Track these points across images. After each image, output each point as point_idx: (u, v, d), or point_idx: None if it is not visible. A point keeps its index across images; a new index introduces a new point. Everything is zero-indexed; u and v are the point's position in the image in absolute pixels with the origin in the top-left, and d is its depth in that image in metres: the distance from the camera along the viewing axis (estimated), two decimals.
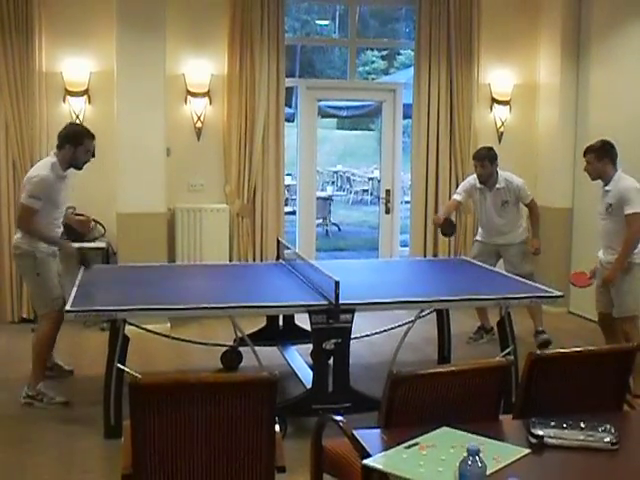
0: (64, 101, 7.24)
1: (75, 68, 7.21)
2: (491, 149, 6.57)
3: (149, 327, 5.71)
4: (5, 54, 6.92)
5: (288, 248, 6.20)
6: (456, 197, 6.76)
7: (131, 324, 4.98)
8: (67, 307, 4.45)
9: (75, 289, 4.86)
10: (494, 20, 8.10)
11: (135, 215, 6.93)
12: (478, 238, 6.83)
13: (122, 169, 6.98)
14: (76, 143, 5.20)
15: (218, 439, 2.68)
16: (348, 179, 18.14)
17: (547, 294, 5.16)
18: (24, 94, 6.97)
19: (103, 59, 7.22)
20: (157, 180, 7.03)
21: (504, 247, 6.60)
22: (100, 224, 7.31)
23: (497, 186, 6.47)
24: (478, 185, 6.55)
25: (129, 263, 6.45)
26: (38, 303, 5.31)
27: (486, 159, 6.42)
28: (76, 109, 7.23)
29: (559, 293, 5.15)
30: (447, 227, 6.66)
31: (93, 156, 5.52)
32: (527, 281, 5.57)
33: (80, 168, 5.37)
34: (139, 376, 2.75)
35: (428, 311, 5.61)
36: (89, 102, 7.30)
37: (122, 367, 4.55)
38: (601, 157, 5.48)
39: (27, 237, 5.09)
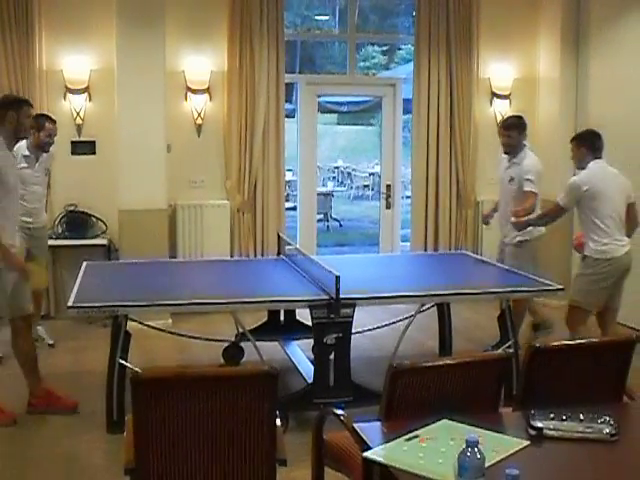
0: (64, 98, 7.26)
1: (75, 65, 7.23)
2: (520, 118, 6.11)
3: (151, 323, 5.73)
4: (5, 52, 6.94)
5: (289, 243, 6.21)
6: None
7: (133, 320, 4.99)
8: (69, 303, 4.47)
9: (77, 286, 4.87)
10: (493, 14, 8.10)
11: (136, 212, 6.96)
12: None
13: (123, 166, 6.99)
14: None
15: (220, 433, 2.69)
16: (349, 174, 18.14)
17: (548, 287, 5.17)
18: (25, 92, 6.97)
19: (103, 56, 7.23)
20: (158, 176, 7.05)
21: (505, 247, 6.11)
22: (102, 221, 7.33)
23: (514, 160, 5.96)
24: (503, 156, 6.09)
25: (131, 259, 6.47)
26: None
27: (513, 128, 5.94)
28: (77, 106, 7.25)
29: (560, 286, 5.16)
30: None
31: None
32: (528, 274, 5.55)
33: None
34: (140, 371, 2.77)
35: (429, 305, 5.63)
36: (89, 99, 7.32)
37: (124, 363, 4.57)
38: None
39: None
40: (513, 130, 5.97)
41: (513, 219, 5.81)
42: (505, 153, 6.09)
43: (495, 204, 6.46)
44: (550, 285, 5.16)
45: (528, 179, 5.87)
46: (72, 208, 7.25)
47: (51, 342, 6.31)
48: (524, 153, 6.00)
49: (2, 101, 4.95)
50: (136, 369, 4.14)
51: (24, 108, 4.78)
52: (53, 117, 6.14)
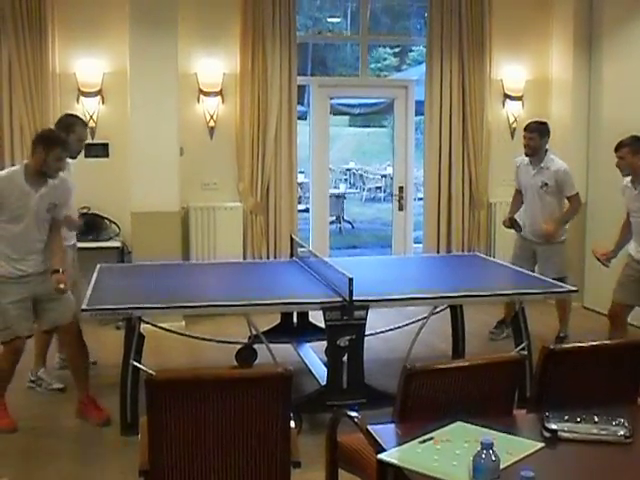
0: (78, 102, 7.28)
1: (88, 69, 7.25)
2: (543, 123, 6.46)
3: (164, 325, 5.74)
4: (19, 55, 6.97)
5: (302, 246, 6.21)
6: (516, 187, 6.67)
7: (146, 322, 5.01)
8: (83, 306, 4.48)
9: (91, 288, 4.89)
10: (506, 15, 8.07)
11: (149, 214, 6.97)
12: (522, 233, 6.56)
13: (136, 168, 7.02)
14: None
15: (234, 434, 2.70)
16: (361, 176, 18.12)
17: (561, 289, 5.15)
18: (38, 95, 7.02)
19: (116, 60, 7.26)
20: (171, 179, 7.07)
21: (539, 246, 6.38)
22: (115, 223, 7.35)
23: (541, 165, 6.29)
24: (525, 162, 6.43)
25: (144, 262, 6.49)
26: None
27: (536, 132, 6.27)
28: (90, 109, 7.27)
29: (573, 288, 5.15)
30: (514, 225, 6.57)
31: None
32: (542, 277, 5.55)
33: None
34: (154, 373, 2.78)
35: (442, 307, 5.62)
36: (102, 102, 7.35)
37: (138, 365, 4.59)
38: (636, 151, 5.44)
39: None
40: (534, 132, 6.29)
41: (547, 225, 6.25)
42: (526, 155, 6.38)
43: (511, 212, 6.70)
44: (562, 287, 5.15)
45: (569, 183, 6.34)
46: (85, 211, 7.26)
47: (61, 386, 5.47)
48: (549, 158, 6.32)
49: (39, 134, 4.87)
50: (150, 371, 4.15)
51: (55, 150, 4.58)
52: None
